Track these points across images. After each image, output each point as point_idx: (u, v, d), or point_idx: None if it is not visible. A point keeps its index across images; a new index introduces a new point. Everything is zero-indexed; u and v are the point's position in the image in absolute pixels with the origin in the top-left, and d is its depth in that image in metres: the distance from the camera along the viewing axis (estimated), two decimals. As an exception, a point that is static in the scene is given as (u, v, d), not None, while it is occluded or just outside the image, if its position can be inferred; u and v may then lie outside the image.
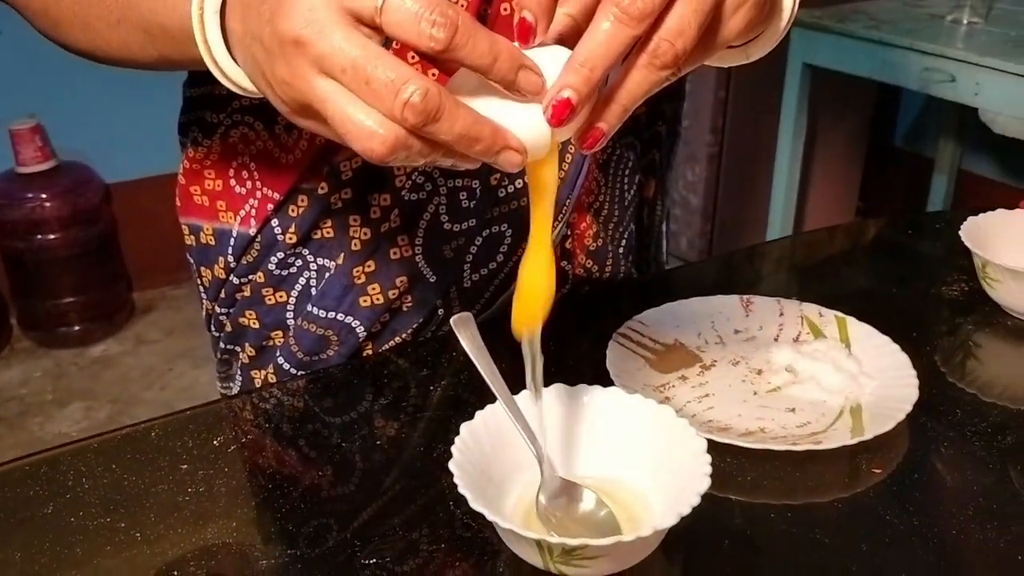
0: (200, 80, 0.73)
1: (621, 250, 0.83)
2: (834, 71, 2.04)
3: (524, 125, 0.42)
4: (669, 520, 0.46)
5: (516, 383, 0.56)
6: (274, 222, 0.72)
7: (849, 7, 2.10)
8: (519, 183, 0.72)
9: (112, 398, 2.20)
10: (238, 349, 0.79)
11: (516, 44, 0.43)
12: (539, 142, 0.43)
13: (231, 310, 0.78)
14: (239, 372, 0.80)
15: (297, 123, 0.46)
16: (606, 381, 0.60)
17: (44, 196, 2.30)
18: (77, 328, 2.42)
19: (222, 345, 0.80)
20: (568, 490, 0.53)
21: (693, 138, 2.38)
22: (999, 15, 1.99)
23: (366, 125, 0.41)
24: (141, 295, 2.62)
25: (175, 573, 0.51)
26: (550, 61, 0.43)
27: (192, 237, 0.77)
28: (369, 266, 0.72)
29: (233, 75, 0.50)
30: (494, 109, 0.42)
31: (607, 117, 0.44)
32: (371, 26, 0.41)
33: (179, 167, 0.77)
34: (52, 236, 2.33)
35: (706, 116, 2.33)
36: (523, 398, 0.56)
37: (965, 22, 1.93)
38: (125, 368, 2.34)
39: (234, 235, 0.74)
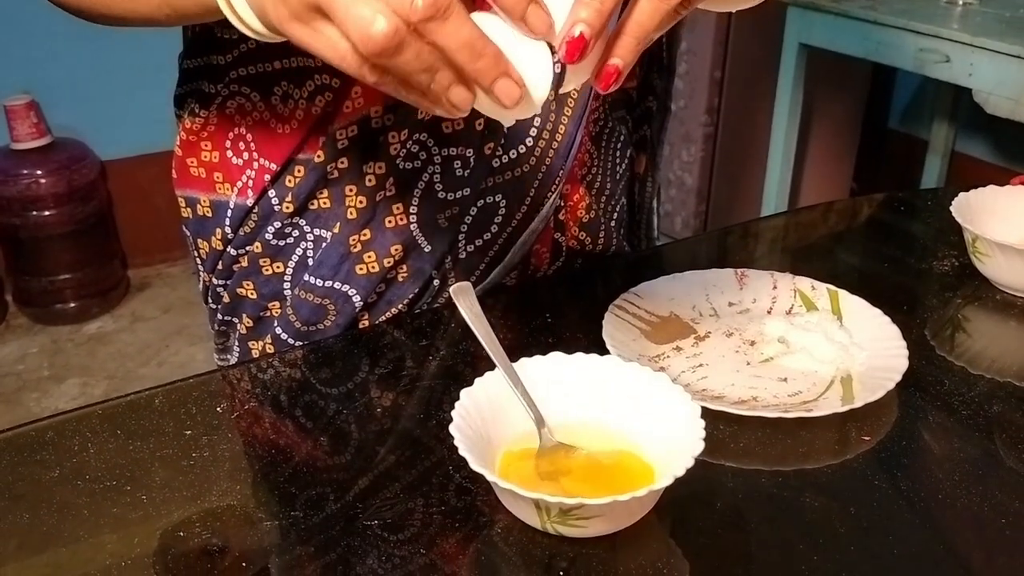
0: (197, 51, 0.74)
1: (613, 223, 0.84)
2: (829, 51, 2.05)
3: (529, 61, 0.43)
4: (664, 481, 0.48)
5: (513, 352, 0.58)
6: (271, 192, 0.73)
7: (845, -13, 2.10)
8: (513, 153, 0.73)
9: (108, 374, 2.21)
10: (235, 320, 0.80)
11: None
12: (540, 82, 0.43)
13: (228, 281, 0.78)
14: (236, 343, 0.81)
15: (291, 33, 0.45)
16: (602, 351, 0.61)
17: (39, 172, 2.30)
18: (73, 305, 2.42)
19: (219, 317, 0.81)
20: (565, 453, 0.55)
21: (689, 118, 2.38)
22: (995, -4, 2.00)
23: (366, 13, 0.40)
24: (136, 272, 2.62)
25: (180, 534, 0.53)
26: (559, 3, 0.43)
27: (188, 209, 0.78)
28: (365, 234, 0.73)
29: (239, 6, 0.49)
30: (502, 42, 0.42)
31: (620, 52, 0.45)
32: None
33: (175, 140, 0.78)
34: (47, 213, 2.32)
35: (702, 96, 2.34)
36: (521, 366, 0.57)
37: (960, 3, 1.94)
38: (121, 345, 2.35)
39: (231, 206, 0.75)
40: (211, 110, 0.74)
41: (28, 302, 2.43)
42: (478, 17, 0.44)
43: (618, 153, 0.82)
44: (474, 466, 0.48)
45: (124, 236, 2.56)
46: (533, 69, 0.43)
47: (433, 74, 0.43)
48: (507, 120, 0.48)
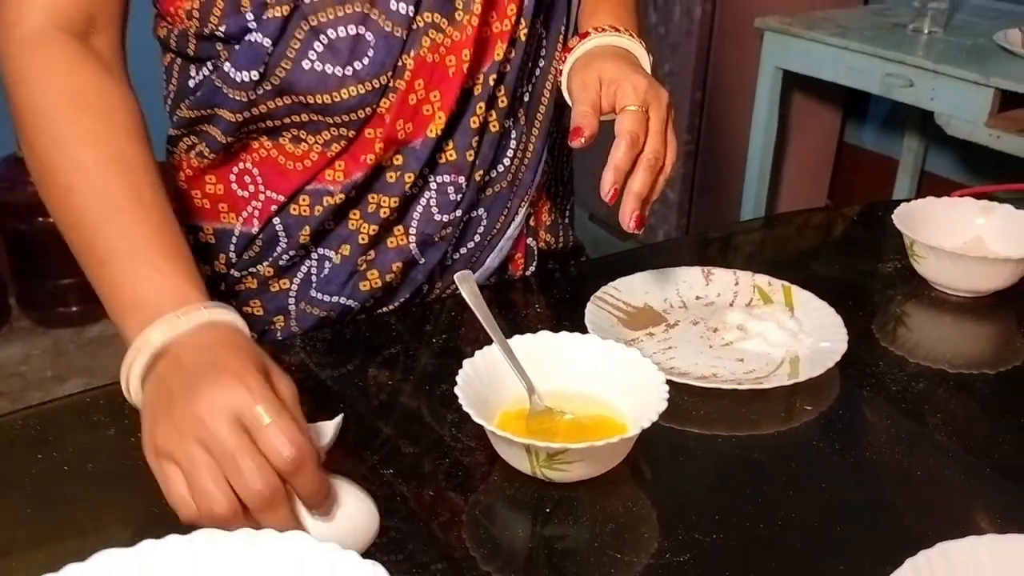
0: (201, 103, 0.76)
1: (566, 221, 0.94)
2: (803, 75, 2.16)
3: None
4: (633, 430, 0.57)
5: (507, 334, 0.67)
6: (275, 220, 0.79)
7: (818, 15, 2.23)
8: (494, 173, 0.82)
9: (111, 376, 2.26)
10: None
11: None
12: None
13: (234, 301, 0.83)
14: None
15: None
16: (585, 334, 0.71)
17: (46, 180, 2.37)
18: (75, 308, 2.49)
19: None
20: (552, 416, 0.64)
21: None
22: (958, 25, 2.12)
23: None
24: (137, 278, 2.69)
25: (224, 479, 0.62)
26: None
27: (190, 236, 0.81)
28: (370, 255, 0.81)
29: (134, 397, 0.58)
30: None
31: (647, 207, 0.72)
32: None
33: (177, 174, 0.81)
34: (52, 219, 2.39)
35: (683, 116, 2.45)
36: (514, 341, 0.67)
37: (926, 31, 2.06)
38: (122, 348, 2.41)
39: (236, 234, 0.81)
40: (217, 153, 0.78)
41: (32, 305, 2.51)
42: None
43: (564, 157, 0.93)
44: (475, 418, 0.58)
45: (125, 243, 2.63)
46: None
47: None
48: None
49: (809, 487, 0.62)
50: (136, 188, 0.62)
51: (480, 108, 0.77)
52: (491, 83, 0.77)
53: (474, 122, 0.78)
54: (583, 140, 0.70)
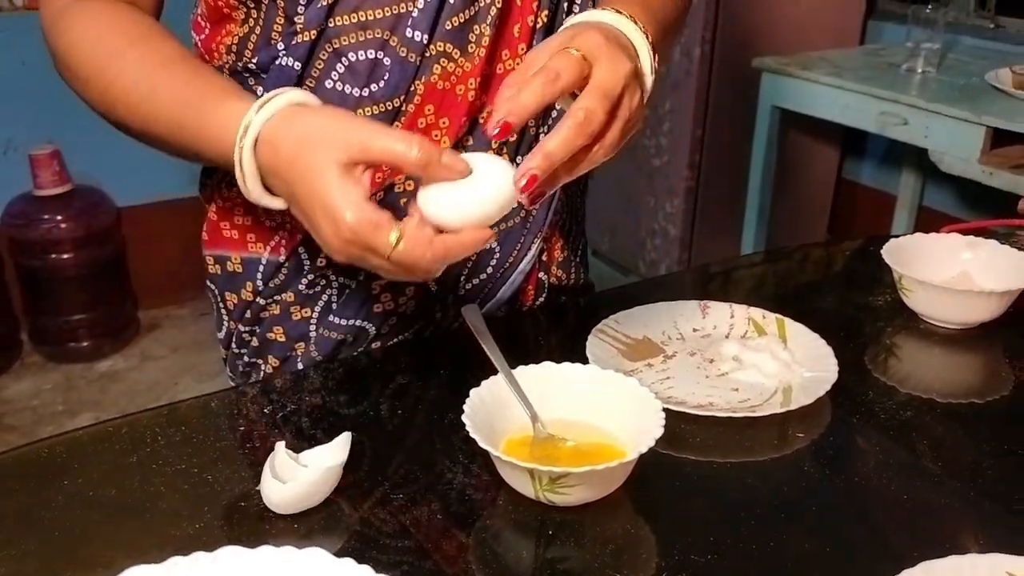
0: None
1: (578, 259, 0.98)
2: (801, 113, 2.22)
3: (480, 213, 0.62)
4: (632, 455, 0.60)
5: (511, 365, 0.71)
6: (301, 249, 0.84)
7: (815, 55, 2.29)
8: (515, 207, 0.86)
9: (120, 409, 2.32)
10: (261, 362, 0.90)
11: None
12: (492, 217, 0.62)
13: (258, 328, 0.88)
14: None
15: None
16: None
17: (60, 218, 2.43)
18: (86, 344, 2.53)
19: (245, 359, 0.91)
20: (555, 443, 0.67)
21: (672, 172, 2.54)
22: (950, 65, 2.18)
23: (394, 278, 0.65)
24: (146, 313, 2.74)
25: (242, 504, 0.65)
26: (496, 165, 0.63)
27: (217, 266, 0.87)
28: (384, 279, 0.85)
29: (267, 204, 0.68)
30: (461, 208, 0.62)
31: (553, 183, 0.64)
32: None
33: (201, 198, 0.88)
34: (66, 256, 2.45)
35: (684, 153, 2.50)
36: (519, 372, 0.70)
37: (919, 71, 2.11)
38: (131, 382, 2.46)
39: (263, 262, 0.85)
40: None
41: (43, 341, 2.55)
42: (434, 190, 0.62)
43: (579, 196, 0.97)
44: (481, 444, 0.61)
45: (136, 279, 2.69)
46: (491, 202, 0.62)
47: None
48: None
49: (800, 511, 0.65)
50: (179, 51, 0.73)
51: (493, 144, 0.81)
52: None
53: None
54: (497, 132, 0.62)
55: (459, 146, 0.81)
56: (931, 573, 0.55)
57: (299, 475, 0.63)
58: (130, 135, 0.75)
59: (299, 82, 0.78)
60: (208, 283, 0.91)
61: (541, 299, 0.93)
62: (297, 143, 0.63)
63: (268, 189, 0.67)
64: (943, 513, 0.65)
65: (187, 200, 0.88)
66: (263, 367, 0.91)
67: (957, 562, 0.55)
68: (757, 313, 0.88)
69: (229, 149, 0.65)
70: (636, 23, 0.69)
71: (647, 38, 0.69)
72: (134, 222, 2.64)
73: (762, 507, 0.65)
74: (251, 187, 0.66)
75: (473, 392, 0.67)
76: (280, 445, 0.64)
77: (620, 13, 0.69)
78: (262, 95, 0.66)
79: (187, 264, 0.90)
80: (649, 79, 0.69)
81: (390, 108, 0.78)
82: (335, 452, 0.65)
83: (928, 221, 2.61)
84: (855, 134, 2.73)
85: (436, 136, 0.80)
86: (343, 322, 0.86)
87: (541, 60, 0.63)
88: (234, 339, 0.91)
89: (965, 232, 0.99)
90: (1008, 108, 1.85)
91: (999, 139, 1.83)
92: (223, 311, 0.91)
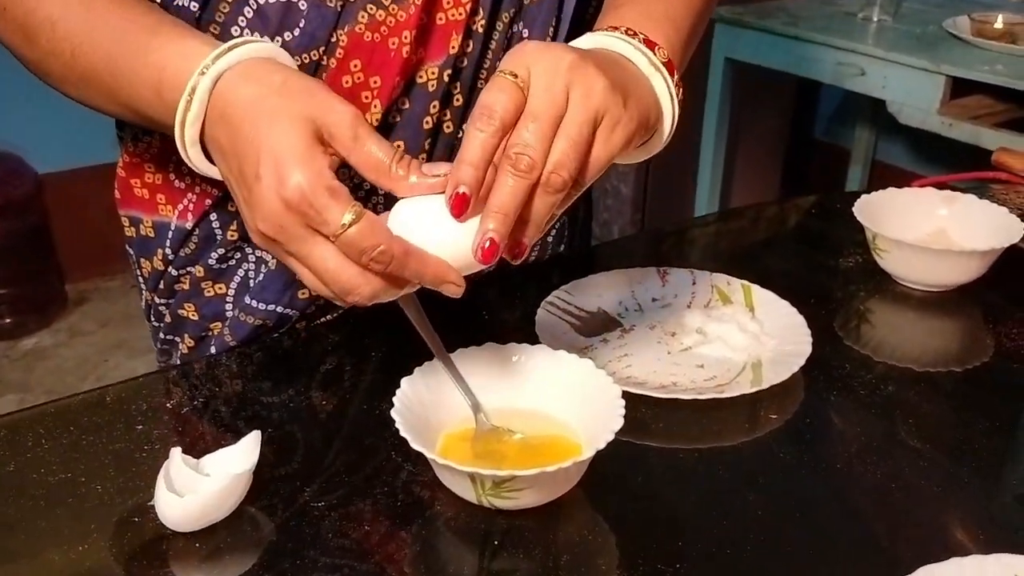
0: None
1: (550, 239, 0.89)
2: (755, 65, 2.14)
3: (455, 257, 0.52)
4: (588, 453, 0.52)
5: (451, 347, 0.62)
6: (212, 216, 0.75)
7: (769, 4, 2.20)
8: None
9: (47, 389, 2.19)
10: (178, 340, 0.82)
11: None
12: (468, 267, 0.53)
13: (171, 301, 0.80)
14: (179, 362, 0.83)
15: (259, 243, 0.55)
16: (535, 344, 0.66)
17: (-28, 187, 2.27)
18: (8, 320, 2.39)
19: (162, 336, 0.83)
20: (500, 436, 0.59)
21: (623, 129, 2.45)
22: (907, 13, 2.12)
23: (329, 295, 0.54)
24: (74, 287, 2.59)
25: (136, 519, 0.55)
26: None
27: (132, 229, 0.79)
28: None
29: (207, 172, 0.58)
30: (434, 243, 0.52)
31: (528, 234, 0.53)
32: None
33: (118, 159, 0.78)
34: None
35: (635, 108, 2.41)
36: (458, 355, 0.61)
37: (875, 19, 2.04)
38: (59, 360, 2.32)
39: (172, 228, 0.77)
40: (154, 135, 0.74)
41: (-39, 318, 2.39)
42: (408, 215, 0.53)
43: None
44: (414, 445, 0.52)
45: (61, 250, 2.53)
46: (461, 261, 0.53)
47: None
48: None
49: (779, 505, 0.58)
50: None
51: (434, 107, 0.72)
52: (445, 79, 0.71)
53: (427, 122, 0.72)
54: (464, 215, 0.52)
55: (393, 109, 0.71)
56: (932, 580, 0.48)
57: (199, 486, 0.53)
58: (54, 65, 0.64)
59: (199, 27, 0.67)
60: (127, 246, 0.82)
61: (490, 267, 0.84)
62: (271, 88, 0.54)
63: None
64: (936, 502, 0.58)
65: (114, 166, 0.78)
66: (180, 345, 0.82)
67: (959, 566, 0.49)
68: (721, 280, 0.80)
69: (178, 82, 0.56)
70: (635, 37, 0.59)
71: (654, 51, 0.59)
72: (57, 190, 2.48)
73: (735, 502, 0.58)
74: (189, 135, 0.56)
75: (405, 381, 0.58)
76: (175, 452, 0.54)
77: (615, 32, 0.59)
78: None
79: (115, 234, 0.81)
80: (655, 78, 0.58)
81: (308, 61, 0.68)
82: (242, 455, 0.56)
83: (882, 175, 2.57)
84: (808, 87, 2.67)
85: (366, 98, 0.70)
86: (263, 307, 0.76)
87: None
88: (152, 311, 0.83)
89: (938, 186, 0.92)
90: (967, 57, 1.79)
91: (958, 90, 1.77)
92: (140, 279, 0.82)
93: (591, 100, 0.51)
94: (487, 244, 0.50)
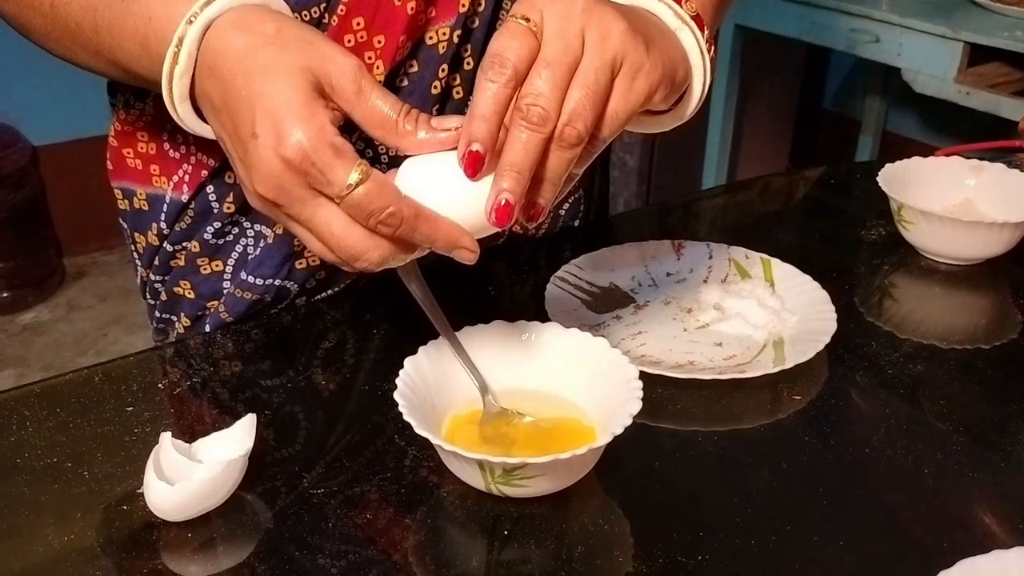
0: None
1: (563, 212, 0.85)
2: (765, 33, 2.09)
3: (467, 219, 0.48)
4: (603, 439, 0.49)
5: (458, 324, 0.58)
6: (209, 188, 0.71)
7: (780, -31, 2.14)
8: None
9: (44, 365, 2.16)
10: (174, 319, 0.78)
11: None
12: (482, 231, 0.49)
13: (166, 278, 0.77)
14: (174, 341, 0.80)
15: (255, 204, 0.51)
16: (544, 321, 0.62)
17: (-33, 159, 2.23)
18: (6, 295, 2.36)
19: (158, 314, 0.79)
20: (509, 419, 0.56)
21: (629, 99, 2.40)
22: (922, -22, 2.06)
23: (336, 260, 0.49)
24: (72, 261, 2.56)
25: (124, 507, 0.52)
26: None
27: (125, 201, 0.76)
28: None
29: (199, 131, 0.55)
30: (445, 204, 0.48)
31: (543, 195, 0.48)
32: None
33: (110, 128, 0.75)
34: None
35: (642, 77, 2.36)
36: (465, 334, 0.58)
37: (890, -15, 1.99)
38: (57, 335, 2.29)
39: (167, 201, 0.73)
40: (147, 101, 0.71)
41: (-41, 292, 2.36)
42: (417, 175, 0.48)
43: None
44: (418, 430, 0.49)
45: (59, 223, 2.50)
46: (475, 224, 0.48)
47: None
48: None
49: (803, 493, 0.54)
50: None
51: (443, 71, 0.67)
52: (455, 40, 0.67)
53: (435, 87, 0.68)
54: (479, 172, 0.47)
55: (400, 72, 0.67)
56: (972, 574, 0.44)
57: (191, 473, 0.50)
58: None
59: None
60: (120, 220, 0.78)
61: (499, 242, 0.81)
62: (265, 38, 0.49)
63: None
64: (971, 489, 0.55)
65: (111, 138, 0.74)
66: (176, 324, 0.78)
67: (1001, 559, 0.45)
68: (739, 253, 0.77)
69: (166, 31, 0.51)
70: None
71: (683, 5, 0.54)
72: (53, 162, 2.44)
73: (757, 489, 0.55)
74: (178, 90, 0.52)
75: (408, 361, 0.55)
76: (165, 436, 0.51)
77: None
78: None
79: (114, 207, 0.77)
80: (683, 32, 0.53)
81: (307, 19, 0.64)
82: (238, 440, 0.53)
83: (893, 146, 2.52)
84: (817, 56, 2.61)
85: (369, 59, 0.66)
86: (261, 282, 0.73)
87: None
88: (147, 289, 0.79)
89: (965, 155, 0.88)
90: (985, 23, 1.74)
91: (976, 57, 1.72)
92: (134, 254, 0.79)
93: (608, 44, 0.47)
94: (502, 204, 0.46)
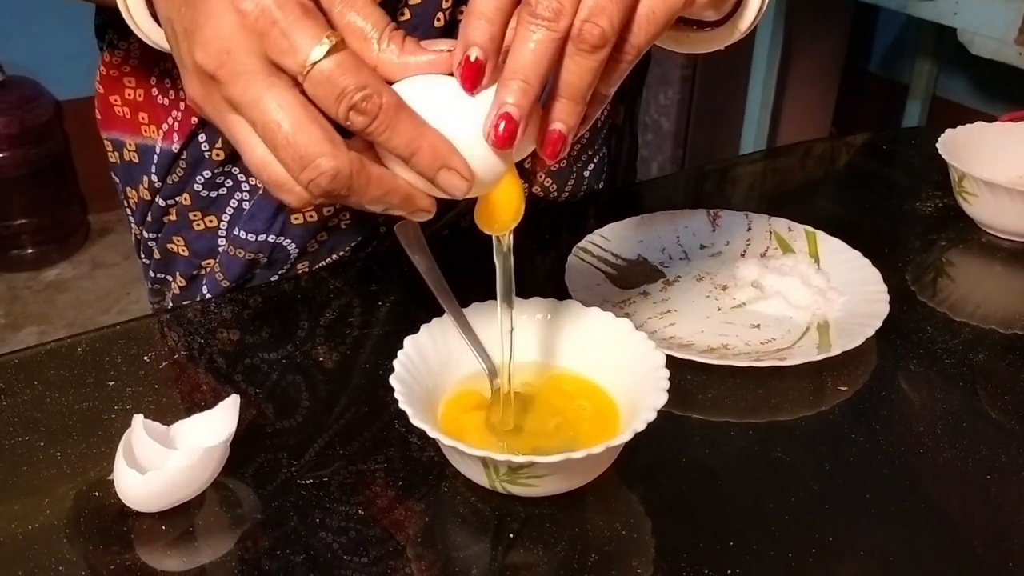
0: None
1: (587, 174, 0.79)
2: (811, -10, 1.98)
3: (473, 154, 0.39)
4: (623, 436, 0.43)
5: (468, 298, 0.53)
6: (200, 137, 0.67)
7: (829, -77, 2.03)
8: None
9: (67, 322, 2.15)
10: (168, 278, 0.75)
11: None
12: (488, 174, 0.40)
13: (159, 235, 0.73)
14: (171, 303, 0.75)
15: (204, 112, 0.41)
16: (564, 297, 0.57)
17: (-10, 112, 2.21)
18: (30, 251, 2.35)
19: (152, 273, 0.76)
20: (519, 406, 0.50)
21: (666, 60, 2.31)
22: (982, -67, 1.94)
23: (279, 178, 0.39)
24: (97, 217, 2.54)
25: (96, 494, 0.48)
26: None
27: (115, 154, 0.72)
28: None
29: (155, 38, 0.48)
30: (444, 127, 0.38)
31: (561, 115, 0.39)
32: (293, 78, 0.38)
33: (96, 74, 0.71)
34: (0, 155, 2.23)
35: (680, 37, 2.27)
36: (473, 311, 0.52)
37: (947, -61, 1.87)
38: (81, 292, 2.28)
39: (157, 151, 0.69)
40: (132, 41, 0.67)
41: (-17, 248, 2.36)
42: (417, 87, 0.39)
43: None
44: (415, 420, 0.44)
45: (83, 179, 2.47)
46: (477, 160, 0.39)
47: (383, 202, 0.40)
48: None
49: (848, 499, 0.48)
50: None
51: (447, 2, 0.62)
52: None
53: (439, 19, 0.62)
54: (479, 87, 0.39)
55: (401, 4, 0.61)
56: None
57: (165, 460, 0.45)
58: None
59: None
60: (111, 174, 0.74)
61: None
62: None
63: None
64: (1038, 499, 0.49)
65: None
66: (171, 284, 0.75)
67: (1080, 587, 0.39)
68: (781, 225, 0.70)
69: None
70: None
71: None
72: (77, 117, 2.40)
73: (796, 492, 0.49)
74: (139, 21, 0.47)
75: (408, 341, 0.50)
76: (138, 419, 0.46)
77: None
78: None
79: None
80: None
81: None
82: (219, 423, 0.48)
83: (943, 112, 2.41)
84: (864, 16, 2.49)
85: None
86: (253, 237, 0.68)
87: None
88: (142, 247, 0.76)
89: (1030, 121, 0.80)
90: (1049, -19, 1.63)
91: (1038, 17, 1.61)
92: (127, 211, 0.75)
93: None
94: (503, 122, 0.37)
